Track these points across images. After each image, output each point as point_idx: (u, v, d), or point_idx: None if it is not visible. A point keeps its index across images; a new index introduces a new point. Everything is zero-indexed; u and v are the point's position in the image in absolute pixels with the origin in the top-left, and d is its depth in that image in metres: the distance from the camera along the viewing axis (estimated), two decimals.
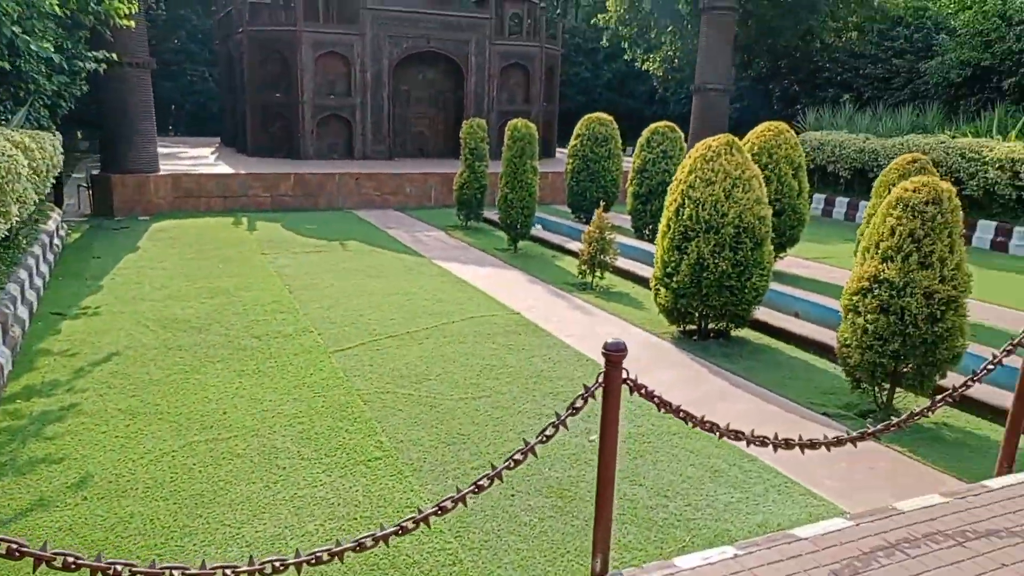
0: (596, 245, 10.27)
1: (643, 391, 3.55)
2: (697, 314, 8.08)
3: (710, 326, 8.30)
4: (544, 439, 3.44)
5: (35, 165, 7.18)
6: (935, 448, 5.64)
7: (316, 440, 5.39)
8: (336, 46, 19.48)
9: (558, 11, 37.95)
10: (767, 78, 30.10)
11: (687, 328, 8.40)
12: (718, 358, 7.65)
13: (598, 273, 10.49)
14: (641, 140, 13.80)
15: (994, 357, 4.66)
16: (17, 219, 7.23)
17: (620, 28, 27.64)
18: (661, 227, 8.14)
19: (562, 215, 16.62)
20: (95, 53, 11.68)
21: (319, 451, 5.22)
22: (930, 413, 4.51)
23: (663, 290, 8.07)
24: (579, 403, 3.45)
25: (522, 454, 3.37)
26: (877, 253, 6.01)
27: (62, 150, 11.61)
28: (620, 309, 9.41)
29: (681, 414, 3.66)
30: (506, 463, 3.35)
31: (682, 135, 13.75)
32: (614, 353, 3.47)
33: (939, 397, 4.54)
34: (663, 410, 3.63)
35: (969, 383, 4.66)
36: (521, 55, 21.74)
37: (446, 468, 5.05)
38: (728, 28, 20.66)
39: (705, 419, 3.71)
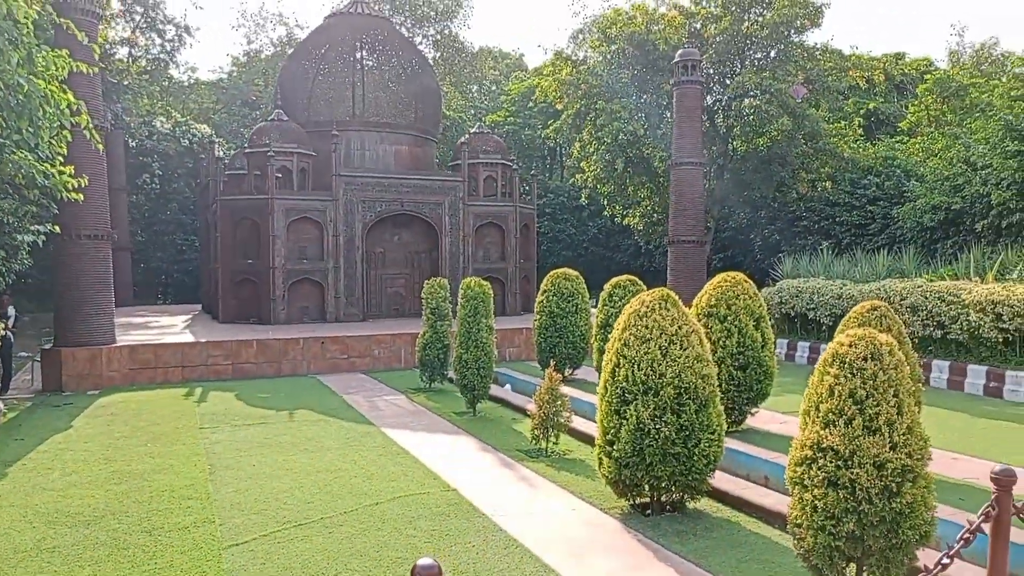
0: (547, 408, 9.53)
1: None
2: (646, 485, 7.22)
3: (662, 498, 7.41)
4: None
5: None
6: None
7: None
8: (309, 212, 19.70)
9: (541, 172, 39.21)
10: (747, 228, 30.45)
11: (638, 501, 7.50)
12: (669, 538, 6.71)
13: (552, 438, 9.69)
14: (603, 294, 13.43)
15: (970, 524, 3.85)
16: None
17: (598, 186, 28.26)
18: (599, 389, 7.47)
19: (535, 373, 15.96)
20: (37, 227, 11.56)
21: None
22: None
23: (605, 459, 7.28)
24: None
25: None
26: (818, 416, 5.29)
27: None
28: (570, 480, 8.52)
29: None
30: None
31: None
32: None
33: None
34: None
35: (945, 560, 3.81)
36: (495, 215, 21.97)
37: None
38: (697, 182, 20.92)
39: None
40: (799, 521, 5.31)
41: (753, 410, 10.73)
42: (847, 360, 5.21)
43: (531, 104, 35.95)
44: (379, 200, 20.37)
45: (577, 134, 27.37)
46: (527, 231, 23.34)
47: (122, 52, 31.02)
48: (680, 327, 7.16)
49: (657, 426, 6.86)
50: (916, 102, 26.94)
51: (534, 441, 9.74)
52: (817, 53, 24.29)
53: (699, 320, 10.60)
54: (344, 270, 20.02)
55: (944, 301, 14.33)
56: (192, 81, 39.24)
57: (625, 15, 25.39)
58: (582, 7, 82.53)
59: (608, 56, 25.89)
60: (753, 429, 10.74)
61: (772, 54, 24.50)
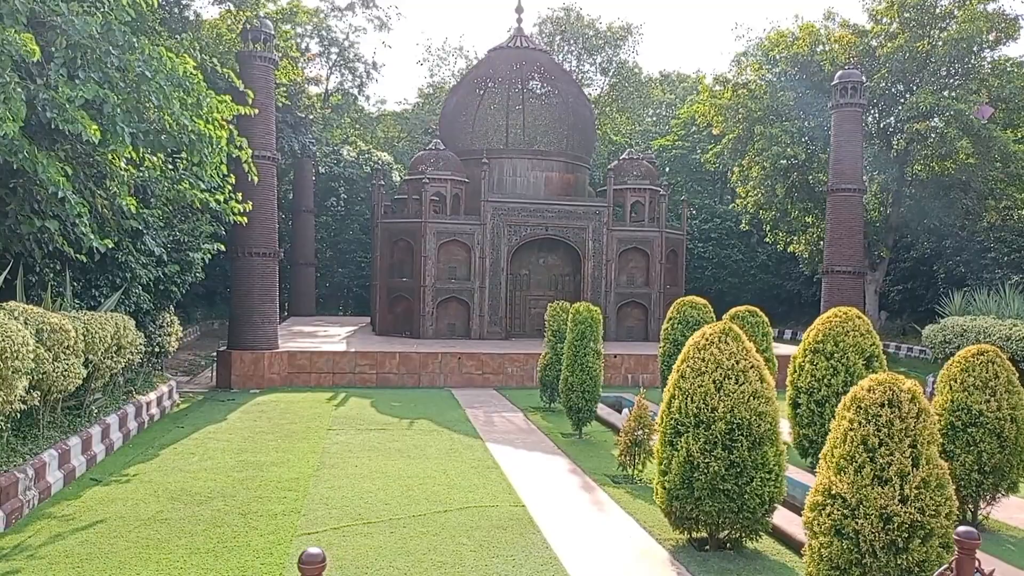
0: (634, 433, 9.60)
1: None
2: (701, 520, 7.15)
3: (720, 534, 7.30)
4: None
5: (68, 344, 8.12)
6: None
7: None
8: (458, 235, 20.88)
9: (709, 197, 38.31)
10: (931, 259, 27.99)
11: (695, 535, 7.44)
12: (712, 574, 6.64)
13: (638, 464, 9.73)
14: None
15: None
16: (60, 392, 8.12)
17: (760, 212, 27.29)
18: (658, 420, 7.53)
19: (659, 400, 15.82)
20: (207, 245, 13.42)
21: None
22: None
23: (660, 490, 7.31)
24: None
25: None
26: (832, 462, 5.12)
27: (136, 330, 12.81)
28: (641, 508, 8.56)
29: None
30: None
31: (765, 319, 12.92)
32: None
33: None
34: None
35: None
36: (640, 239, 21.99)
37: None
38: (855, 209, 19.68)
39: None
40: (810, 570, 5.16)
41: None
42: (863, 405, 5.02)
43: (700, 127, 35.39)
44: (524, 224, 21.15)
45: (739, 159, 26.64)
46: (675, 256, 23.08)
47: (317, 88, 34.56)
48: (738, 362, 7.06)
49: (707, 460, 6.82)
50: None
51: (620, 468, 9.83)
52: (1009, 68, 21.98)
53: (805, 356, 10.21)
54: (489, 290, 20.96)
55: None
56: (380, 112, 42.75)
57: (790, 36, 24.48)
58: (747, 30, 79.45)
59: (770, 79, 25.05)
60: None
61: (955, 71, 22.51)
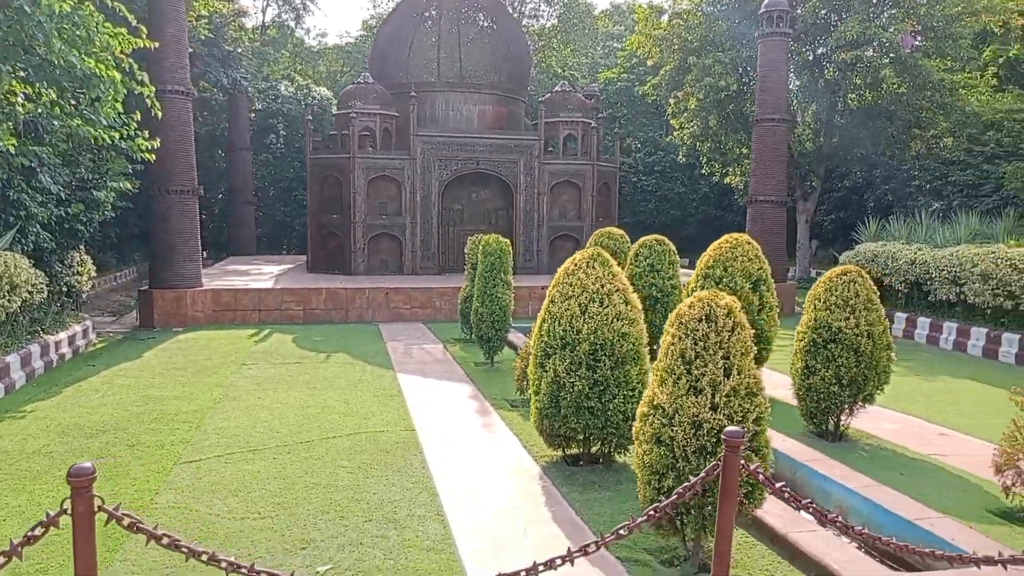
0: (527, 359, 9.86)
1: None
2: (571, 436, 7.46)
3: (592, 450, 7.64)
4: None
5: None
6: None
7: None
8: (388, 170, 20.69)
9: (656, 130, 38.30)
10: (862, 188, 28.55)
11: (570, 452, 7.77)
12: (574, 487, 6.99)
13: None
14: (631, 253, 13.38)
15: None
16: None
17: (696, 144, 27.43)
18: (531, 343, 7.76)
19: None
20: (114, 184, 13.17)
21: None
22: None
23: (533, 410, 7.59)
24: None
25: None
26: (657, 375, 5.38)
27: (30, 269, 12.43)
28: (529, 429, 8.84)
29: None
30: None
31: (672, 247, 13.16)
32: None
33: None
34: None
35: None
36: (572, 173, 22.03)
37: None
38: (780, 139, 19.91)
39: None
40: (638, 475, 5.47)
41: None
42: (684, 320, 5.25)
43: (642, 59, 35.08)
44: (455, 159, 21.03)
45: (675, 90, 26.59)
46: (607, 189, 23.21)
47: (252, 21, 33.42)
48: (603, 285, 7.26)
49: (571, 379, 7.07)
50: None
51: (518, 392, 10.13)
52: None
53: (697, 281, 10.50)
54: (421, 225, 20.93)
55: (1016, 269, 13.09)
56: (321, 47, 41.55)
57: None
58: None
59: (707, 9, 24.86)
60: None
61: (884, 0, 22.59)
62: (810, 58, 24.52)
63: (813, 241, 28.66)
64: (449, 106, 22.71)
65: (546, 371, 7.30)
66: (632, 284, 13.11)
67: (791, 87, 24.70)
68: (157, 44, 12.54)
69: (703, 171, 29.69)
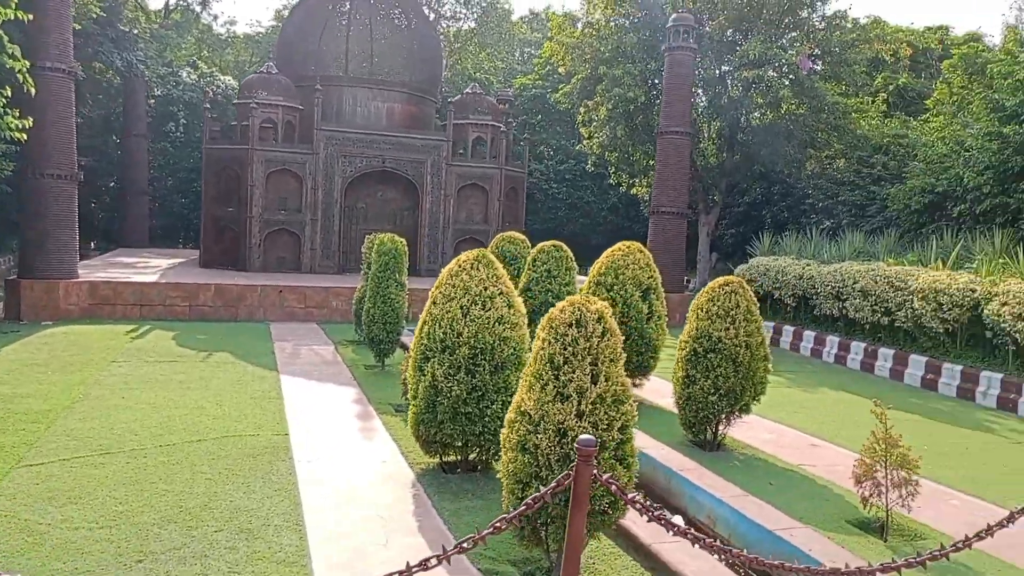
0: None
1: None
2: (442, 443, 7.22)
3: (471, 457, 7.43)
4: None
5: None
6: None
7: None
8: (289, 164, 20.00)
9: (567, 138, 38.64)
10: (761, 204, 29.53)
11: (447, 459, 7.53)
12: (446, 495, 6.76)
13: None
14: (529, 259, 13.30)
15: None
16: None
17: (605, 154, 27.75)
18: (411, 346, 7.50)
19: None
20: None
21: None
22: None
23: (410, 415, 7.33)
24: None
25: None
26: (526, 380, 5.22)
27: None
28: (409, 435, 8.58)
29: None
30: None
31: (569, 254, 13.14)
32: None
33: None
34: None
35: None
36: (479, 176, 21.87)
37: None
38: (684, 151, 20.34)
39: None
40: (504, 484, 5.28)
41: (636, 381, 10.50)
42: (554, 325, 5.10)
43: (556, 67, 35.36)
44: (360, 156, 20.52)
45: (586, 99, 26.81)
46: (515, 194, 23.18)
47: (156, 3, 31.77)
48: (486, 288, 7.08)
49: (449, 384, 6.85)
50: (941, 80, 25.43)
51: (404, 396, 9.81)
52: (836, 22, 23.08)
53: (589, 288, 10.48)
54: (322, 223, 20.31)
55: (892, 287, 13.71)
56: (229, 34, 40.02)
57: None
58: None
59: (619, 20, 25.19)
60: (642, 400, 10.58)
61: (787, 23, 23.44)
62: (716, 74, 25.18)
63: (713, 254, 29.43)
64: (357, 102, 22.17)
65: (424, 375, 7.06)
66: (528, 290, 13.10)
67: (698, 103, 25.32)
68: (31, 16, 11.65)
69: (611, 181, 30.07)
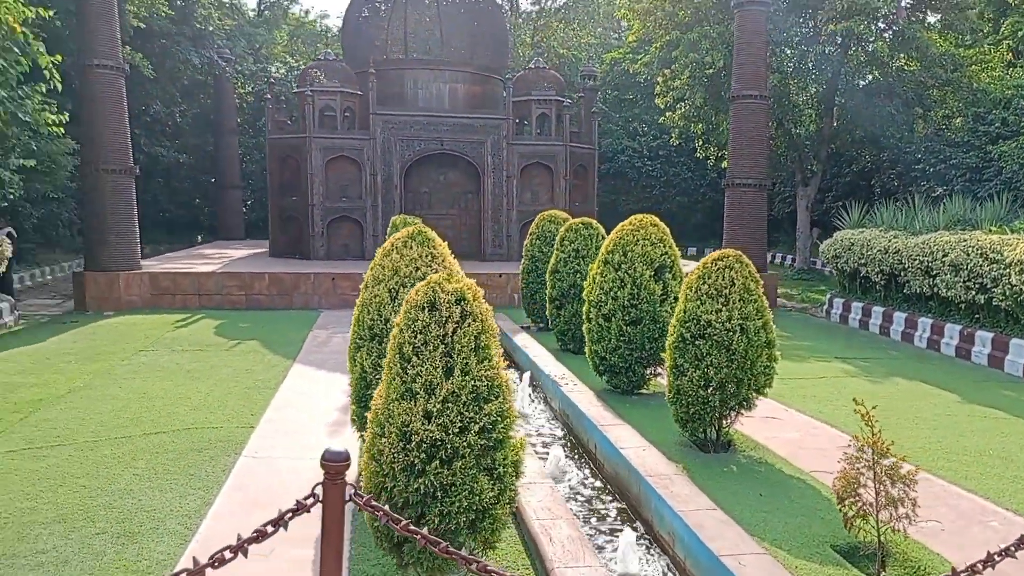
0: None
1: None
2: None
3: None
4: None
5: None
6: None
7: None
8: (346, 151, 19.93)
9: (656, 113, 36.84)
10: (870, 173, 26.89)
11: None
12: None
13: None
14: (557, 239, 12.40)
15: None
16: None
17: (690, 126, 26.08)
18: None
19: (519, 319, 15.21)
20: (20, 160, 12.59)
21: None
22: None
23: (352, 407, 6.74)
24: None
25: None
26: (387, 375, 4.47)
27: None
28: None
29: None
30: None
31: (601, 231, 12.13)
32: None
33: None
34: None
35: None
36: (543, 155, 20.98)
37: None
38: (759, 117, 18.57)
39: None
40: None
41: (658, 371, 9.41)
42: (407, 309, 4.33)
43: (629, 35, 33.64)
44: (417, 139, 20.15)
45: (666, 68, 25.22)
46: (584, 172, 22.12)
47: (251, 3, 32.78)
48: (418, 268, 6.34)
49: (378, 377, 6.19)
50: None
51: None
52: None
53: (598, 268, 9.49)
54: (382, 209, 20.13)
55: (986, 259, 11.74)
56: (322, 29, 40.87)
57: None
58: None
59: None
60: (660, 394, 9.51)
61: None
62: (804, 32, 23.00)
63: (814, 229, 27.13)
64: (419, 84, 21.81)
65: (355, 366, 6.44)
66: (556, 271, 12.24)
67: (785, 64, 23.20)
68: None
69: (698, 154, 28.30)
